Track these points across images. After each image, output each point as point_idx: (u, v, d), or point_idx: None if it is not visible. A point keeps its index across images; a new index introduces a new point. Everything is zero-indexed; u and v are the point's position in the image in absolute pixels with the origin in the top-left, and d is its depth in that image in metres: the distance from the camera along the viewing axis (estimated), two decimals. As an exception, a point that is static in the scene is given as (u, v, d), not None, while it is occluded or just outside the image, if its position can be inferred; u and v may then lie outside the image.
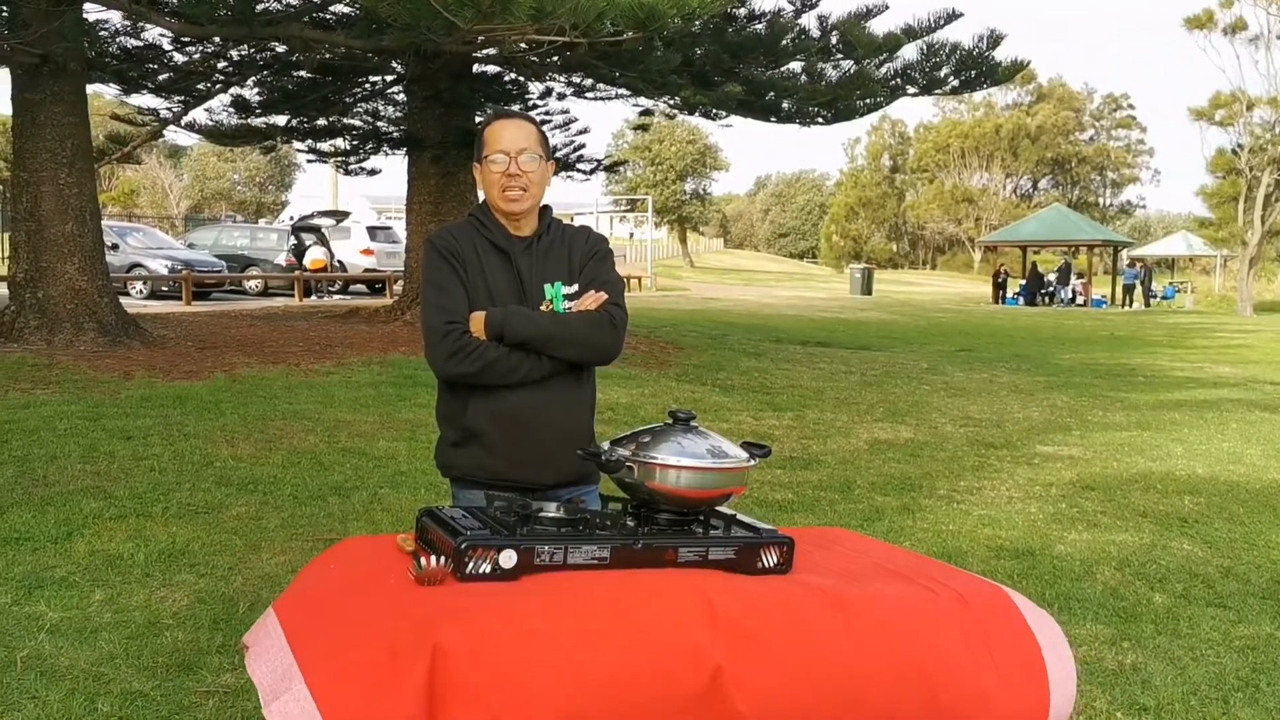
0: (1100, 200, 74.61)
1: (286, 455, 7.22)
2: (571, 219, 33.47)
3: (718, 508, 2.45)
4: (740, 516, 2.47)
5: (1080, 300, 38.38)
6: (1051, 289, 38.75)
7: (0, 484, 6.17)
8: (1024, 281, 39.38)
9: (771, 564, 2.37)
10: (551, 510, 2.34)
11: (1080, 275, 41.46)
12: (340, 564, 2.42)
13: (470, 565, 2.13)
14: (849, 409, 10.89)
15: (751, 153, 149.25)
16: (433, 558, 2.15)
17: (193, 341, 12.52)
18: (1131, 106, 75.86)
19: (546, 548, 2.19)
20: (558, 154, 17.99)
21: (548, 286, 2.70)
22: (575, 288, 2.73)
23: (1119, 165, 74.72)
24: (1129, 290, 39.31)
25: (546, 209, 2.80)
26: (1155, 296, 40.70)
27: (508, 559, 2.15)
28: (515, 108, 8.88)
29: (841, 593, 2.25)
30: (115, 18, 13.06)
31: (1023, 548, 5.84)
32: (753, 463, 2.39)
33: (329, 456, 7.28)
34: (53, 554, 5.01)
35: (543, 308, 2.69)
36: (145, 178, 58.37)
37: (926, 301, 38.20)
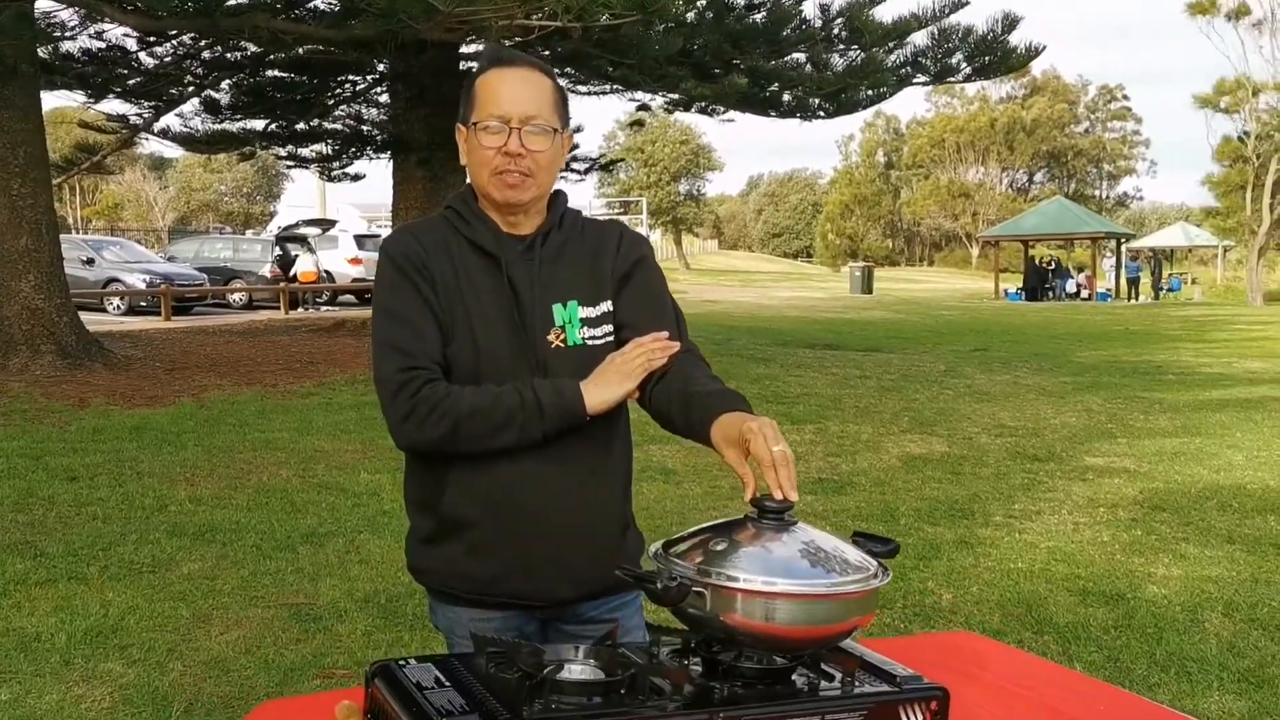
0: (1097, 193, 73.85)
1: (253, 494, 6.38)
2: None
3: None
4: (865, 653, 1.63)
5: (1085, 294, 37.58)
6: (1051, 284, 37.94)
7: (-85, 541, 5.32)
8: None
9: (915, 729, 1.53)
10: (576, 667, 1.49)
11: (1081, 269, 40.64)
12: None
13: (447, 781, 1.29)
14: (872, 419, 10.07)
15: (743, 152, 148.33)
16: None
17: (161, 362, 11.67)
18: (1126, 98, 75.20)
19: (571, 741, 1.34)
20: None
21: (558, 308, 1.85)
22: (602, 309, 1.88)
23: (1115, 157, 73.99)
24: (1134, 283, 38.52)
25: (559, 196, 1.93)
26: (1162, 289, 39.91)
27: (509, 766, 1.31)
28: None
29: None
30: (67, 14, 12.19)
31: (1110, 590, 5.00)
32: (884, 579, 1.54)
33: (302, 494, 6.43)
34: (-41, 634, 4.16)
35: (551, 338, 1.84)
36: (129, 190, 57.41)
37: (929, 299, 37.40)
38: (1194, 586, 5.10)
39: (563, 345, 1.83)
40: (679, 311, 1.95)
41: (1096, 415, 10.62)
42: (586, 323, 1.85)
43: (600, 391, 1.78)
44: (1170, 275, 44.61)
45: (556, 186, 1.92)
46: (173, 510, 5.99)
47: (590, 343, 1.85)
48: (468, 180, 1.92)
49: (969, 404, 11.25)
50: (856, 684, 1.54)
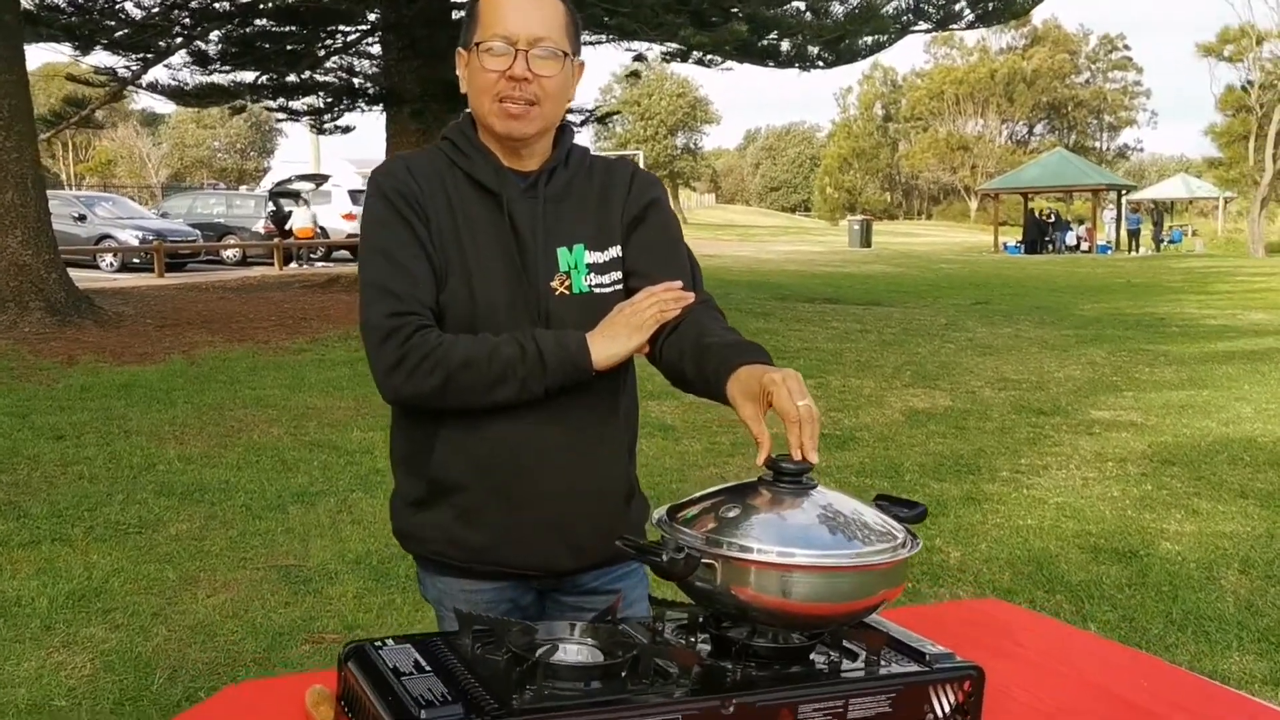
0: (1097, 145, 73.26)
1: (244, 453, 6.23)
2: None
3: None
4: (892, 628, 1.48)
5: (1085, 247, 37.30)
6: (1051, 237, 37.63)
7: (-105, 502, 5.18)
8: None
9: (946, 711, 1.39)
10: (572, 647, 1.34)
11: (1081, 221, 40.33)
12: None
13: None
14: (874, 373, 9.93)
15: (740, 106, 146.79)
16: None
17: (152, 318, 11.49)
18: (1127, 47, 74.54)
19: (567, 733, 1.20)
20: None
21: (563, 252, 1.67)
22: (611, 255, 1.70)
23: (1115, 108, 73.33)
24: (1134, 235, 38.25)
25: (566, 130, 1.74)
26: (1163, 241, 39.62)
27: (496, 762, 1.16)
28: None
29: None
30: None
31: (1122, 547, 4.88)
32: (914, 548, 1.39)
33: (293, 452, 6.29)
34: (-63, 599, 4.02)
35: (555, 285, 1.67)
36: (122, 147, 56.89)
37: (928, 252, 37.12)
38: (1208, 543, 4.98)
39: (567, 293, 1.66)
40: (693, 259, 1.78)
41: (1101, 368, 10.48)
42: (593, 269, 1.68)
43: (608, 345, 1.61)
44: (1171, 227, 44.32)
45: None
46: (161, 469, 5.84)
47: (597, 291, 1.68)
48: (467, 110, 1.74)
49: (971, 357, 11.10)
50: (882, 663, 1.40)
